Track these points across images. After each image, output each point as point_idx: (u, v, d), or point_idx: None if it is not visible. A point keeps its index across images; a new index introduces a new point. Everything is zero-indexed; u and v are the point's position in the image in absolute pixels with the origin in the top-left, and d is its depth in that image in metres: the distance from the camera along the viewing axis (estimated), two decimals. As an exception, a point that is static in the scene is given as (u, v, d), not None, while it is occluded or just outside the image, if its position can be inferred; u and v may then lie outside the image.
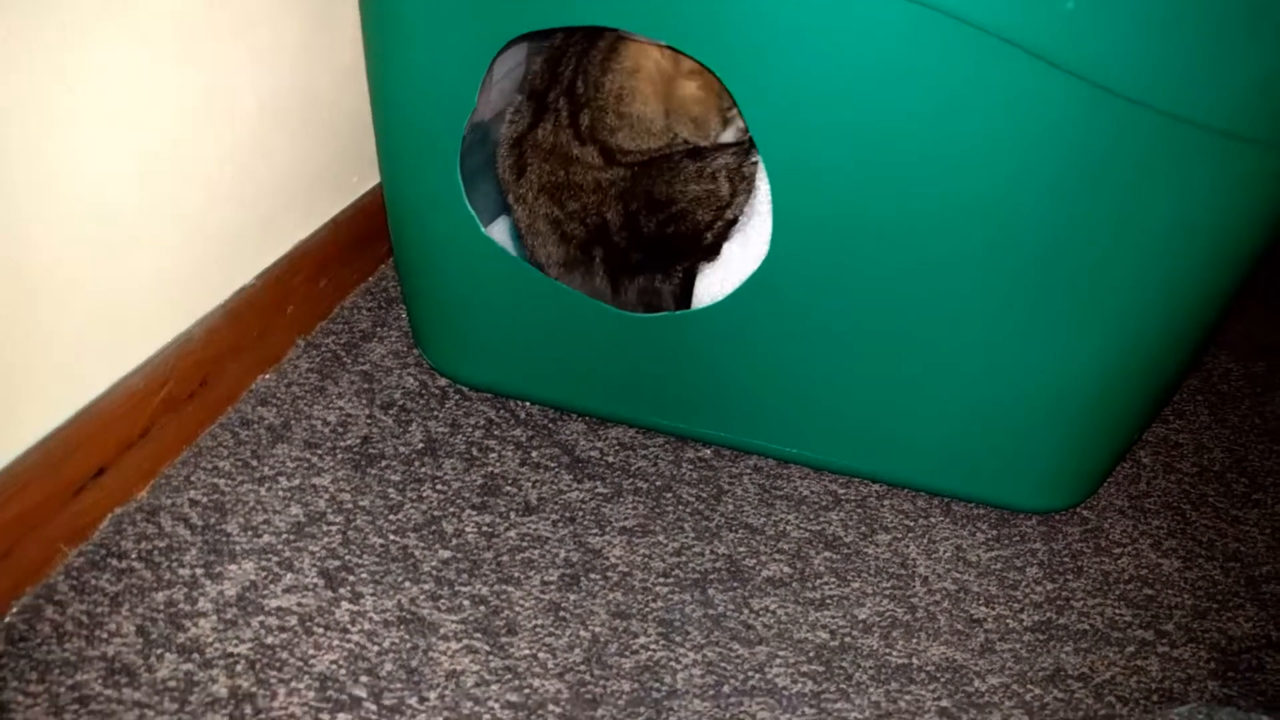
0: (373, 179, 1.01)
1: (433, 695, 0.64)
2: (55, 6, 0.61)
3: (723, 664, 0.69)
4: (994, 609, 0.76)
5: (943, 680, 0.70)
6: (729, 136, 0.86)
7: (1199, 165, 0.63)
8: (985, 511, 0.84)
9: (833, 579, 0.77)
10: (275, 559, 0.71)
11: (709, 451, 0.87)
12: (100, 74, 0.66)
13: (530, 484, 0.81)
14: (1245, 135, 0.62)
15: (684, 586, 0.74)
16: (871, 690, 0.69)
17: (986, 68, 0.61)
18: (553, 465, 0.83)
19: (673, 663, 0.69)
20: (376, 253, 1.03)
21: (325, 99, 0.91)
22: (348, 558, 0.72)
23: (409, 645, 0.67)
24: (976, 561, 0.80)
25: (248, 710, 0.61)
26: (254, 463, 0.79)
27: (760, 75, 0.66)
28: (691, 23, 0.66)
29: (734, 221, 0.82)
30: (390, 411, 0.86)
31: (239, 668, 0.64)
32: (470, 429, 0.86)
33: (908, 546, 0.80)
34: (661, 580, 0.75)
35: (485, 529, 0.77)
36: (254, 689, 0.63)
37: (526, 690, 0.65)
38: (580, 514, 0.79)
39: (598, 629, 0.70)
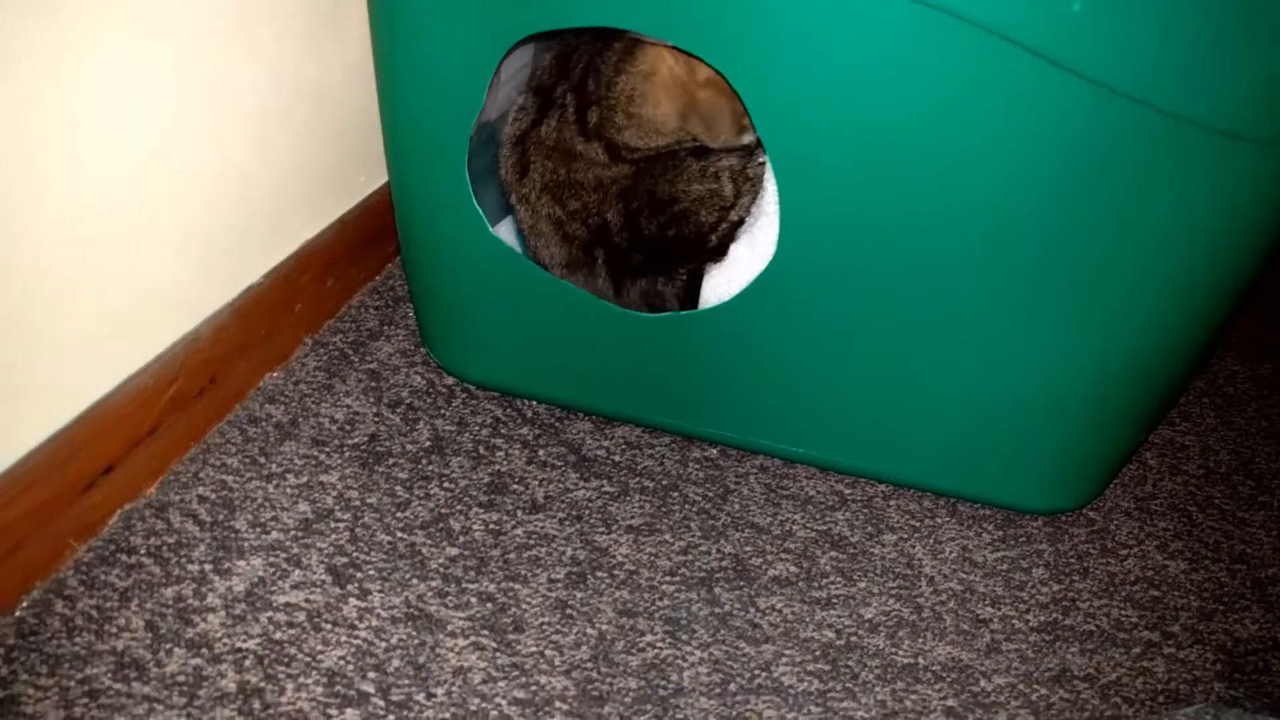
0: (380, 178, 1.02)
1: (440, 691, 0.64)
2: (57, 5, 0.62)
3: (729, 662, 0.69)
4: (1000, 609, 0.76)
5: (949, 680, 0.70)
6: (747, 141, 0.86)
7: (1200, 165, 0.63)
8: (991, 512, 0.85)
9: (839, 578, 0.77)
10: (283, 555, 0.71)
11: (715, 451, 0.87)
12: (106, 72, 0.66)
13: (537, 482, 0.81)
14: (1247, 135, 0.62)
15: (690, 585, 0.74)
16: (877, 689, 0.69)
17: (992, 68, 0.62)
18: (559, 464, 0.84)
19: (679, 661, 0.69)
20: (384, 252, 1.04)
21: (333, 98, 0.91)
22: (355, 555, 0.73)
23: (416, 642, 0.67)
24: (983, 562, 0.80)
25: (256, 705, 0.62)
26: (262, 460, 0.79)
27: (767, 76, 0.66)
28: (699, 24, 0.66)
29: (739, 223, 0.82)
30: (398, 410, 0.86)
31: (247, 663, 0.64)
32: (477, 427, 0.86)
33: (914, 547, 0.80)
34: (668, 579, 0.75)
35: (492, 527, 0.77)
36: (262, 684, 0.63)
37: (533, 687, 0.65)
38: (587, 512, 0.79)
39: (604, 627, 0.70)
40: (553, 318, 0.83)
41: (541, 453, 0.85)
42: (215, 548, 0.71)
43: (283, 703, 0.62)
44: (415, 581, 0.71)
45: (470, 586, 0.72)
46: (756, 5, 0.64)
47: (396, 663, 0.66)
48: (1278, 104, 0.61)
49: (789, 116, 0.67)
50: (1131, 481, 0.90)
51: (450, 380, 0.91)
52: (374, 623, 0.68)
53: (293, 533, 0.73)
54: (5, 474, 0.64)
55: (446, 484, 0.80)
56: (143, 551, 0.70)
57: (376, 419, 0.85)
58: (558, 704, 0.65)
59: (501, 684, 0.65)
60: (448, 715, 0.63)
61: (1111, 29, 0.60)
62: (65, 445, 0.68)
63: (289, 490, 0.77)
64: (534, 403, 0.90)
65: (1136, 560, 0.82)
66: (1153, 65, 0.60)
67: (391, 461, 0.81)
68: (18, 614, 0.64)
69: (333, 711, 0.62)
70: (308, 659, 0.65)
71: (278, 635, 0.66)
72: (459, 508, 0.78)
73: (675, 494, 0.82)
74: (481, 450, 0.84)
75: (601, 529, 0.78)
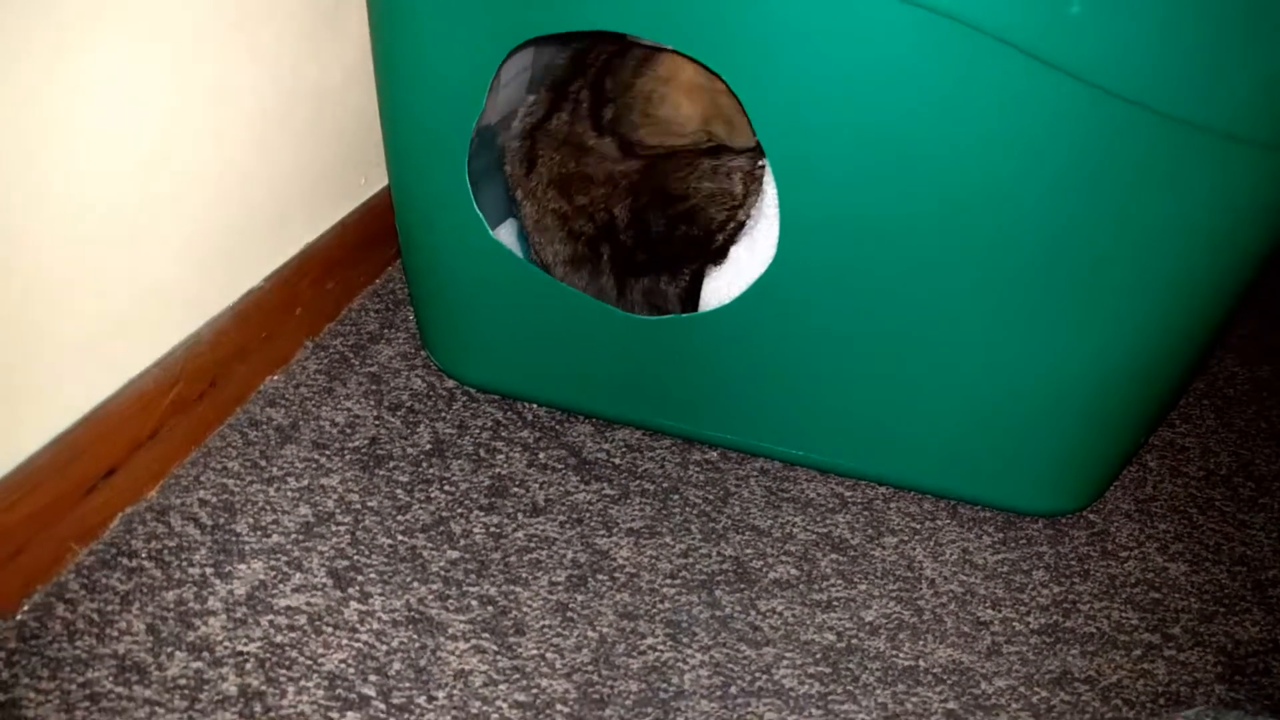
0: (380, 181, 1.02)
1: (441, 695, 0.64)
2: (55, 5, 0.61)
3: (730, 665, 0.69)
4: (1001, 611, 0.76)
5: (949, 682, 0.70)
6: None
7: (1199, 167, 0.63)
8: (992, 514, 0.85)
9: (839, 581, 0.77)
10: (284, 559, 0.71)
11: (715, 454, 0.87)
12: (105, 73, 0.66)
13: (538, 485, 0.82)
14: (1246, 137, 0.62)
15: (691, 588, 0.74)
16: (878, 692, 0.69)
17: (989, 70, 0.62)
18: (560, 467, 0.84)
19: (680, 664, 0.69)
20: (384, 255, 1.04)
21: (332, 99, 0.91)
22: (356, 558, 0.73)
23: (417, 645, 0.67)
24: (983, 564, 0.80)
25: (257, 708, 0.62)
26: (263, 463, 0.79)
27: (766, 79, 0.66)
28: (696, 27, 0.66)
29: (744, 224, 0.82)
30: (398, 413, 0.87)
31: (248, 666, 0.64)
32: (478, 430, 0.86)
33: (914, 549, 0.80)
34: (669, 581, 0.75)
35: (493, 530, 0.77)
36: (263, 687, 0.63)
37: (534, 690, 0.65)
38: (588, 515, 0.79)
39: (605, 629, 0.70)
40: (553, 320, 0.83)
41: (542, 455, 0.85)
42: (216, 551, 0.71)
43: (284, 706, 0.62)
44: (416, 584, 0.71)
45: (471, 590, 0.72)
46: (755, 8, 0.64)
47: (397, 666, 0.66)
48: (1277, 106, 0.61)
49: (788, 119, 0.67)
50: (1132, 483, 0.90)
51: (451, 383, 0.91)
52: (375, 626, 0.68)
53: (293, 536, 0.73)
54: (8, 477, 0.64)
55: (447, 487, 0.80)
56: (144, 555, 0.70)
57: (377, 422, 0.85)
58: (559, 707, 0.65)
59: (502, 687, 0.65)
60: (449, 718, 0.63)
61: (1109, 31, 0.60)
62: (67, 449, 0.68)
63: (290, 493, 0.77)
64: (534, 405, 0.90)
65: (1137, 562, 0.82)
66: (1151, 67, 0.60)
67: (392, 465, 0.81)
68: (19, 617, 0.64)
69: (334, 715, 0.62)
70: (309, 662, 0.65)
71: (279, 638, 0.66)
72: (460, 511, 0.78)
73: (676, 497, 0.82)
74: (482, 453, 0.84)
75: (602, 532, 0.78)
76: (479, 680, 0.66)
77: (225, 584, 0.69)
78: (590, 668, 0.68)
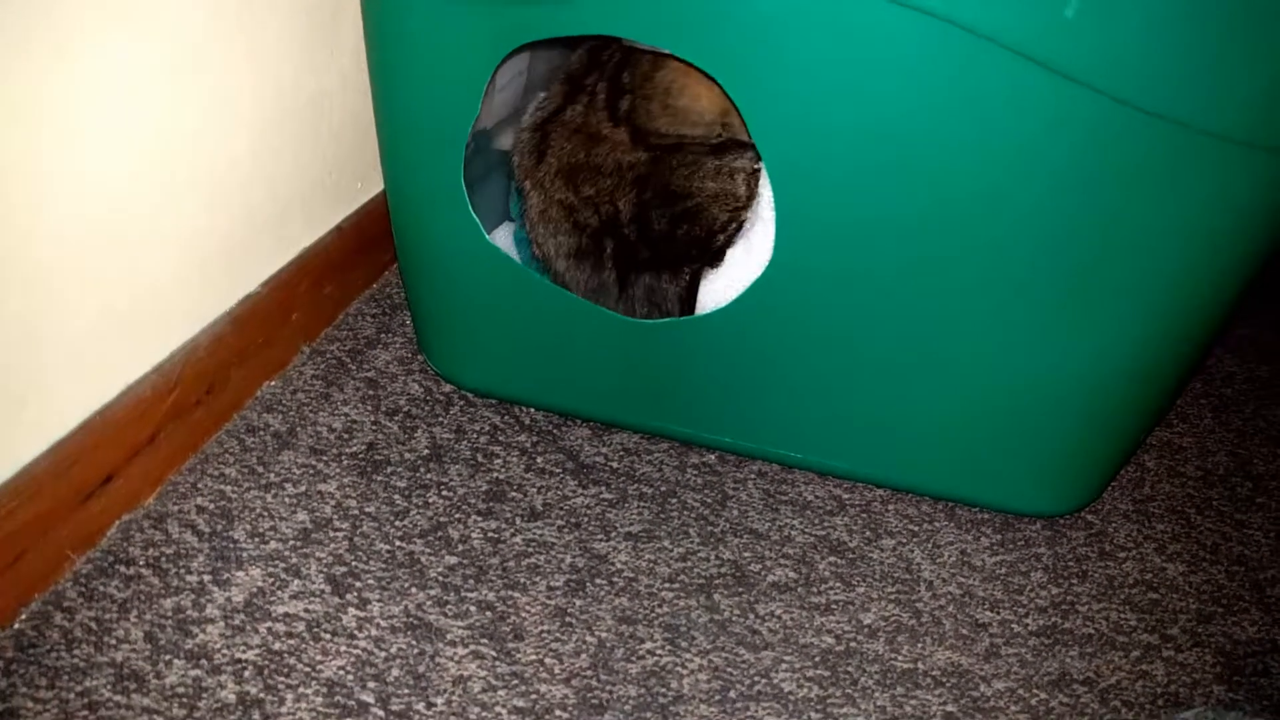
0: (376, 185, 1.02)
1: (440, 701, 0.64)
2: (54, 11, 0.61)
3: (728, 669, 0.69)
4: (999, 613, 0.76)
5: (948, 685, 0.70)
6: None
7: (1198, 169, 0.63)
8: (990, 516, 0.85)
9: (838, 584, 0.77)
10: (282, 565, 0.71)
11: (713, 457, 0.87)
12: (100, 80, 0.66)
13: (535, 490, 0.82)
14: (1245, 140, 0.62)
15: (689, 592, 0.74)
16: (877, 695, 0.69)
17: (985, 73, 0.62)
18: (558, 471, 0.84)
19: (679, 668, 0.69)
20: (380, 259, 1.04)
21: (328, 105, 0.91)
22: (354, 564, 0.73)
23: (416, 651, 0.67)
24: (981, 566, 0.80)
25: (256, 716, 0.62)
26: (260, 469, 0.79)
27: (760, 82, 0.66)
28: (689, 31, 0.66)
29: (742, 225, 0.82)
30: (395, 418, 0.86)
31: (247, 674, 0.64)
32: (475, 435, 0.86)
33: (912, 551, 0.80)
34: (667, 585, 0.75)
35: (491, 535, 0.77)
36: (262, 695, 0.63)
37: (533, 696, 0.65)
38: (585, 519, 0.79)
39: (604, 634, 0.70)
40: (550, 324, 0.83)
41: (540, 460, 0.85)
42: (214, 558, 0.71)
43: (282, 713, 0.62)
44: (414, 590, 0.71)
45: (469, 595, 0.72)
46: (748, 12, 0.64)
47: (396, 672, 0.66)
48: (1276, 109, 0.61)
49: (782, 122, 0.67)
50: (1129, 484, 0.90)
51: (448, 388, 0.91)
52: (373, 632, 0.68)
53: (291, 542, 0.73)
54: (5, 485, 0.64)
55: (445, 492, 0.80)
56: (141, 562, 0.70)
57: (374, 427, 0.85)
58: (558, 712, 0.65)
59: (501, 693, 0.65)
60: (447, 724, 0.63)
61: (1106, 34, 0.60)
62: (65, 456, 0.68)
63: (287, 500, 0.77)
64: (532, 409, 0.90)
65: (1135, 563, 0.82)
66: (1148, 70, 0.60)
67: (390, 470, 0.81)
68: (17, 626, 0.64)
69: (332, 722, 0.62)
70: (307, 669, 0.65)
71: (277, 645, 0.66)
72: (457, 516, 0.78)
73: (674, 500, 0.82)
74: (480, 458, 0.84)
75: (600, 536, 0.78)
76: (478, 686, 0.66)
77: (223, 591, 0.69)
78: (589, 672, 0.68)
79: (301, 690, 0.63)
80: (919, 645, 0.73)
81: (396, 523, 0.77)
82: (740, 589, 0.75)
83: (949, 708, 0.68)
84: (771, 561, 0.78)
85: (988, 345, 0.74)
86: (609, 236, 0.85)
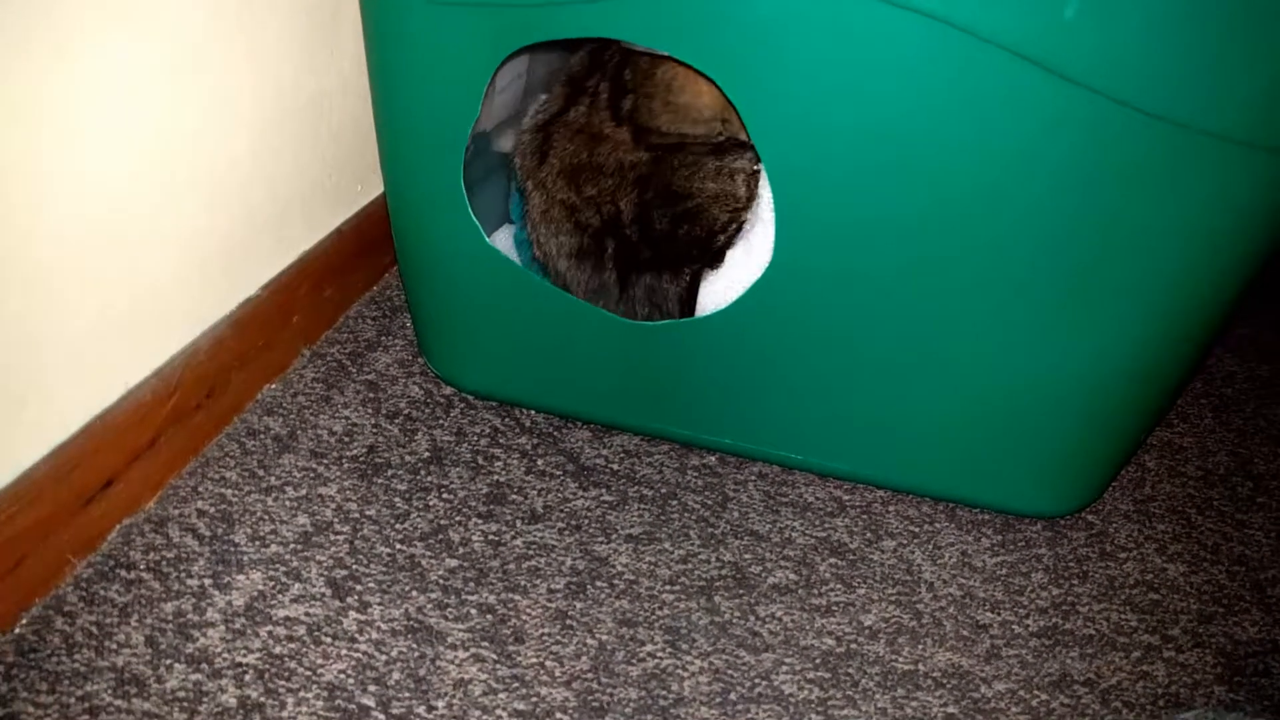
0: (376, 188, 1.02)
1: (440, 704, 0.64)
2: (54, 11, 0.61)
3: (729, 671, 0.69)
4: (1000, 614, 0.76)
5: (949, 686, 0.70)
6: None
7: (1198, 170, 0.63)
8: (990, 517, 0.85)
9: (838, 585, 0.77)
10: (283, 569, 0.71)
11: (714, 458, 0.87)
12: (100, 82, 0.66)
13: (536, 492, 0.82)
14: (1245, 140, 0.62)
15: (690, 594, 0.74)
16: (878, 697, 0.69)
17: (985, 75, 0.62)
18: (558, 473, 0.84)
19: (679, 670, 0.69)
20: (381, 262, 1.04)
21: (328, 107, 0.91)
22: (355, 567, 0.73)
23: (416, 654, 0.67)
24: (982, 567, 0.80)
25: (257, 720, 0.62)
26: (261, 473, 0.79)
27: (759, 84, 0.66)
28: (688, 32, 0.66)
29: (742, 226, 0.82)
30: (396, 421, 0.86)
31: (247, 678, 0.64)
32: (476, 437, 0.86)
33: (913, 552, 0.80)
34: (668, 588, 0.75)
35: (492, 537, 0.77)
36: (263, 699, 0.63)
37: (534, 699, 0.65)
38: (586, 522, 0.79)
39: (604, 637, 0.70)
40: (550, 326, 0.83)
41: (540, 462, 0.85)
42: (214, 562, 0.71)
43: (283, 717, 0.62)
44: (415, 593, 0.71)
45: (470, 598, 0.72)
46: (749, 14, 0.64)
47: (397, 676, 0.66)
48: (1276, 109, 0.61)
49: (782, 124, 0.67)
50: (1130, 484, 0.90)
51: (448, 390, 0.91)
52: (374, 635, 0.68)
53: (292, 546, 0.73)
54: (6, 489, 0.64)
55: (445, 495, 0.80)
56: (142, 566, 0.70)
57: (375, 430, 0.85)
58: (558, 715, 0.65)
59: (502, 696, 0.65)
60: (448, 728, 0.63)
61: (1104, 35, 0.60)
62: (66, 460, 0.68)
63: (288, 503, 0.77)
64: (532, 412, 0.90)
65: (1136, 563, 0.82)
66: (1147, 71, 0.60)
67: (390, 473, 0.81)
68: (17, 631, 0.64)
69: (333, 725, 0.62)
70: (308, 673, 0.65)
71: (278, 649, 0.66)
72: (458, 519, 0.78)
73: (674, 502, 0.82)
74: (480, 460, 0.84)
75: (601, 538, 0.78)
76: (478, 689, 0.66)
77: (224, 595, 0.69)
78: (590, 675, 0.68)
79: (302, 694, 0.63)
80: (920, 647, 0.73)
81: (397, 525, 0.77)
82: (741, 591, 0.75)
83: (950, 709, 0.68)
84: (772, 563, 0.78)
85: (988, 346, 0.74)
86: (610, 236, 0.85)
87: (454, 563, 0.74)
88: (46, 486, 0.66)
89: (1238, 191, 0.64)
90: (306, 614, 0.69)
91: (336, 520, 0.76)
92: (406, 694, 0.65)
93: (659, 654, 0.70)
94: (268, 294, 0.86)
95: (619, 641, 0.70)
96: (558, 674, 0.67)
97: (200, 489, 0.77)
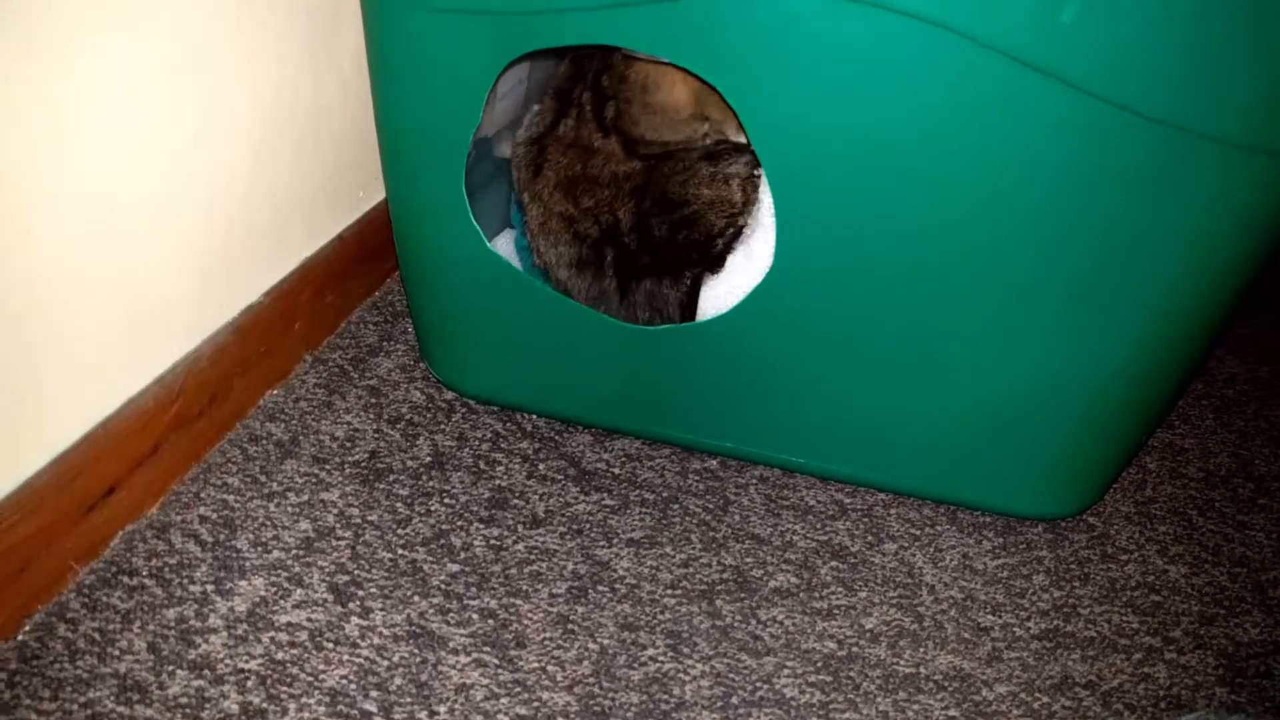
0: (378, 194, 1.02)
1: (442, 709, 0.64)
2: (54, 11, 0.61)
3: (731, 675, 0.69)
4: (1001, 617, 0.76)
5: (950, 689, 0.70)
6: None
7: (1198, 173, 0.63)
8: (991, 519, 0.85)
9: (840, 589, 0.77)
10: (285, 574, 0.72)
11: (715, 462, 0.87)
12: (101, 87, 0.66)
13: (537, 497, 0.82)
14: (1245, 144, 0.62)
15: (691, 598, 0.75)
16: (879, 700, 0.69)
17: (983, 78, 0.62)
18: (560, 478, 0.84)
19: (681, 674, 0.69)
20: (382, 267, 1.04)
21: (329, 113, 0.91)
22: (357, 572, 0.73)
23: (418, 659, 0.67)
24: (983, 569, 0.80)
25: (259, 726, 0.62)
26: (263, 479, 0.79)
27: (760, 90, 0.66)
28: (690, 40, 0.66)
29: (742, 231, 0.82)
30: (397, 426, 0.87)
31: (250, 684, 0.64)
32: (477, 442, 0.86)
33: (914, 555, 0.80)
34: (669, 592, 0.75)
35: (493, 542, 0.77)
36: (265, 705, 0.63)
37: (536, 703, 0.66)
38: (587, 526, 0.80)
39: (606, 641, 0.70)
40: (551, 331, 0.83)
41: (541, 467, 0.85)
42: (217, 568, 0.71)
43: (286, 723, 0.62)
44: (417, 599, 0.72)
45: (472, 603, 0.72)
46: (750, 21, 0.64)
47: (399, 681, 0.66)
48: (1275, 112, 0.61)
49: (782, 129, 0.68)
50: (1131, 486, 0.90)
51: (450, 395, 0.91)
52: (376, 641, 0.68)
53: (294, 551, 0.73)
54: (9, 497, 0.64)
55: (447, 500, 0.80)
56: (144, 573, 0.70)
57: (377, 435, 0.85)
58: (560, 720, 0.65)
59: (504, 700, 0.65)
60: (451, 733, 0.63)
61: (1102, 39, 0.60)
62: (68, 468, 0.68)
63: (290, 509, 0.77)
64: (533, 416, 0.90)
65: (1137, 565, 0.82)
66: (1146, 75, 0.61)
67: (392, 478, 0.81)
68: (20, 638, 0.65)
69: (336, 731, 0.62)
70: (310, 679, 0.65)
71: (280, 655, 0.66)
72: (460, 524, 0.78)
73: (675, 506, 0.82)
74: (482, 465, 0.84)
75: (602, 543, 0.78)
76: (480, 694, 0.66)
77: (226, 601, 0.69)
78: (591, 680, 0.68)
79: (304, 700, 0.64)
80: (921, 649, 0.73)
81: (399, 531, 0.77)
82: (742, 594, 0.75)
83: (951, 712, 0.69)
84: (773, 567, 0.78)
85: (988, 349, 0.74)
86: (609, 245, 0.85)
87: (456, 568, 0.74)
88: (49, 494, 0.67)
89: (1238, 195, 0.64)
90: (309, 619, 0.69)
91: (338, 525, 0.76)
92: (408, 699, 0.65)
93: (660, 658, 0.70)
94: (269, 300, 0.86)
95: (620, 646, 0.70)
96: (559, 678, 0.67)
97: (202, 495, 0.77)
